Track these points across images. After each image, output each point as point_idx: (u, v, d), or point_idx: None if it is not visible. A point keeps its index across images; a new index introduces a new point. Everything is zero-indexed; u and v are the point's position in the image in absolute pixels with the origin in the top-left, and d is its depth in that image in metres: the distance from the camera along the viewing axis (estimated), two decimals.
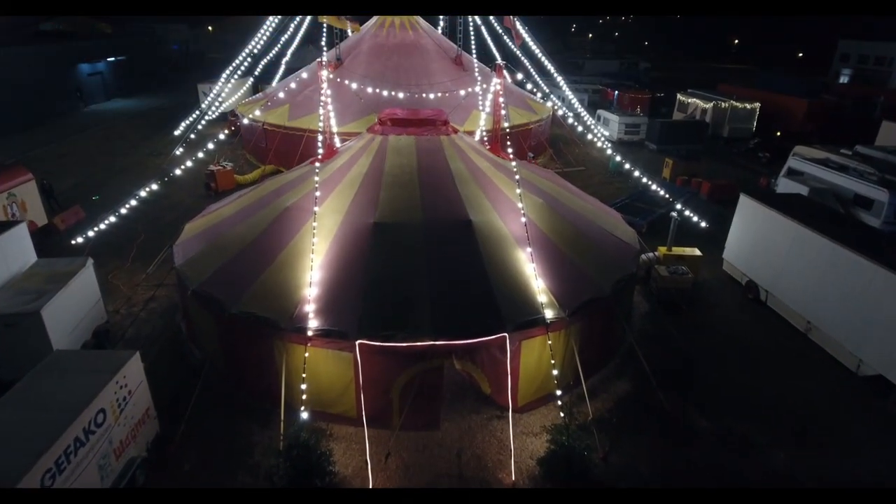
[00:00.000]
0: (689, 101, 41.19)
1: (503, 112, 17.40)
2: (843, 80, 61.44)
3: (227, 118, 36.02)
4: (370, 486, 10.50)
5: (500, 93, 17.69)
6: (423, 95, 24.91)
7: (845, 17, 63.48)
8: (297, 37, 38.89)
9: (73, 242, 19.74)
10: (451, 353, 11.34)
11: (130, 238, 20.86)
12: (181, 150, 31.37)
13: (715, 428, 12.37)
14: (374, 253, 12.59)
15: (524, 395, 12.23)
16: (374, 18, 33.94)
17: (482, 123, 24.37)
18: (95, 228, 19.79)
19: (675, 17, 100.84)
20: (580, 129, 31.86)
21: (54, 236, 21.13)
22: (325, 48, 30.13)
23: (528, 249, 12.79)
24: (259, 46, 34.68)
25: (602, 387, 13.39)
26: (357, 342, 10.99)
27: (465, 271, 12.46)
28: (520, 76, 28.68)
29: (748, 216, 18.21)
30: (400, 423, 11.37)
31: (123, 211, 20.38)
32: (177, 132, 35.88)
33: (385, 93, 24.88)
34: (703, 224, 21.97)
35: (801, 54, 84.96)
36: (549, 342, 11.75)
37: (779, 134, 38.17)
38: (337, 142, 19.17)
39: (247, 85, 39.67)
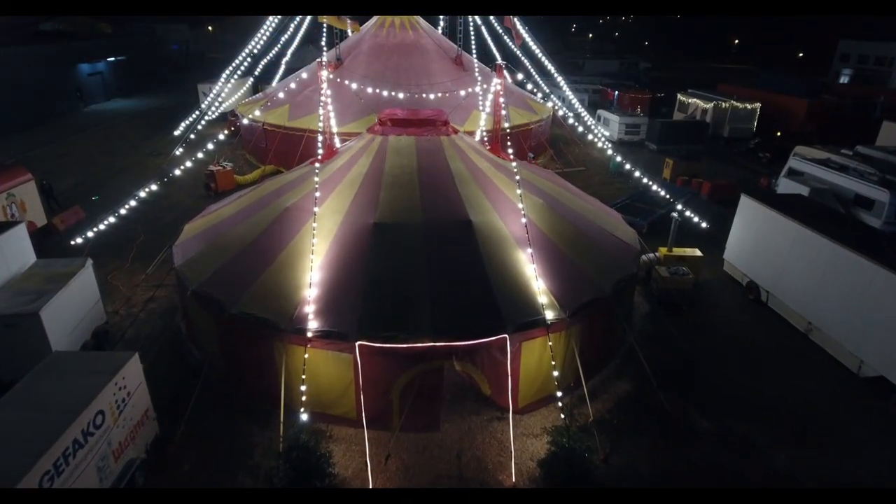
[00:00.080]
0: (690, 101, 41.16)
1: (503, 112, 17.36)
2: (844, 80, 61.39)
3: (227, 118, 36.00)
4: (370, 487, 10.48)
5: (501, 93, 17.65)
6: (424, 95, 24.88)
7: (845, 17, 63.48)
8: (297, 37, 38.87)
9: (72, 243, 19.72)
10: (452, 354, 11.31)
11: (130, 238, 20.83)
12: (181, 150, 31.34)
13: (716, 428, 12.34)
14: (374, 254, 12.56)
15: (524, 397, 12.20)
16: (374, 18, 33.91)
17: (482, 124, 24.34)
18: (95, 229, 19.78)
19: (675, 17, 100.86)
20: (580, 129, 31.82)
21: (54, 236, 21.10)
22: (325, 48, 30.12)
23: (529, 250, 12.76)
24: (259, 46, 34.64)
25: (602, 388, 13.36)
26: (357, 343, 10.95)
27: (465, 272, 12.43)
28: (520, 76, 28.64)
29: (749, 217, 18.18)
30: (400, 424, 11.34)
31: (123, 211, 20.37)
32: (177, 132, 35.85)
33: (385, 93, 24.85)
34: (704, 224, 21.94)
35: (801, 54, 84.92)
36: (550, 343, 11.72)
37: (779, 134, 38.14)
38: (337, 142, 19.13)
39: (247, 85, 39.64)
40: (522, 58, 32.76)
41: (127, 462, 10.27)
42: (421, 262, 12.45)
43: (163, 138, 36.22)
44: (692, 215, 21.86)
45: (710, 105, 39.06)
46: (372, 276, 12.15)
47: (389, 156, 14.97)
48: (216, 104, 35.81)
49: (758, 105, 39.30)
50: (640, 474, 11.08)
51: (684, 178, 28.75)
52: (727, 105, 38.81)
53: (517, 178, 14.05)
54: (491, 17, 34.74)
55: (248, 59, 34.78)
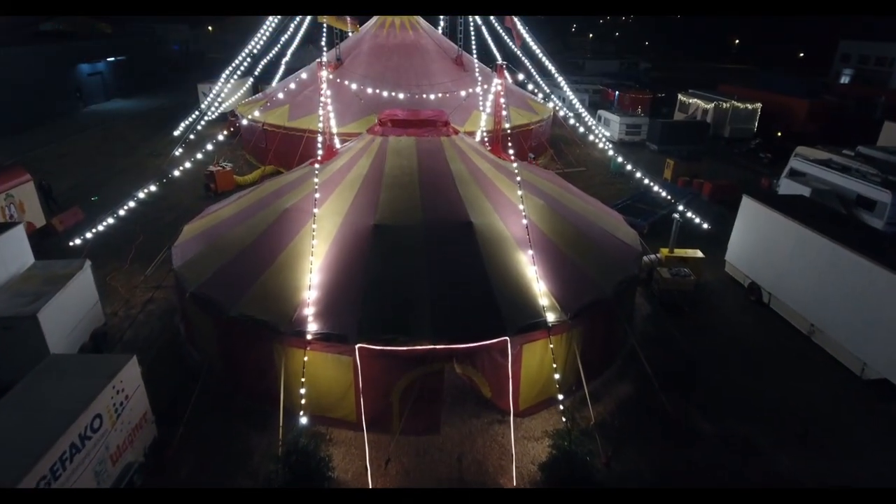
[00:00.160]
0: (690, 101, 41.09)
1: (504, 113, 17.28)
2: (844, 80, 61.30)
3: (227, 119, 35.93)
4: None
5: (502, 93, 17.57)
6: (424, 96, 24.81)
7: (845, 17, 63.39)
8: (297, 37, 38.79)
9: (71, 244, 19.65)
10: (452, 356, 11.23)
11: (129, 239, 20.75)
12: (181, 150, 31.27)
13: (717, 430, 12.28)
14: (374, 255, 12.48)
15: (525, 399, 12.11)
16: (375, 18, 33.84)
17: (483, 124, 24.27)
18: (94, 230, 19.71)
19: (675, 17, 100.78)
20: (581, 129, 31.74)
21: (53, 237, 21.03)
22: (324, 48, 30.03)
23: (530, 251, 12.68)
24: (259, 46, 34.57)
25: (604, 390, 13.28)
26: (357, 346, 10.88)
27: (465, 274, 12.35)
28: (521, 76, 28.57)
29: (750, 218, 18.10)
30: (400, 427, 11.26)
31: (122, 212, 20.31)
32: (176, 133, 35.78)
33: (385, 93, 24.78)
34: (705, 225, 21.86)
35: (801, 55, 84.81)
36: (551, 345, 11.64)
37: (780, 134, 38.07)
38: (337, 143, 19.06)
39: (246, 85, 39.57)
40: (523, 58, 32.69)
41: (125, 466, 10.20)
42: (421, 264, 12.37)
43: (162, 139, 36.15)
44: (693, 216, 21.78)
45: (710, 105, 38.99)
46: (372, 278, 12.07)
47: (389, 157, 14.90)
48: (216, 104, 35.75)
49: (759, 105, 39.23)
50: (642, 478, 10.99)
51: (685, 178, 28.68)
52: (728, 105, 38.74)
53: (518, 179, 13.97)
54: (491, 17, 34.67)
55: (248, 60, 34.72)
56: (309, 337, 11.12)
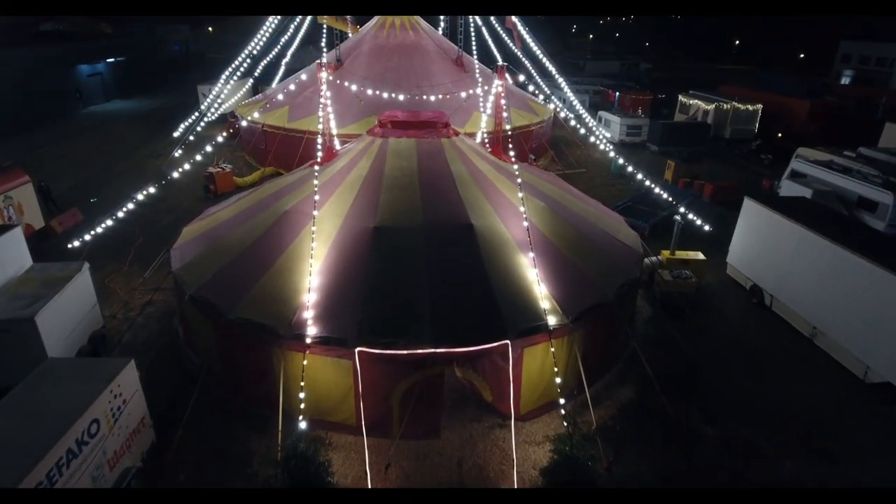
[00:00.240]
0: (691, 102, 41.02)
1: (505, 114, 17.20)
2: (845, 80, 61.25)
3: (227, 120, 35.84)
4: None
5: (503, 94, 17.49)
6: (424, 97, 24.73)
7: (845, 17, 63.34)
8: (297, 38, 38.71)
9: (70, 246, 19.56)
10: (452, 360, 11.15)
11: (128, 241, 20.67)
12: (180, 151, 31.20)
13: (719, 434, 12.20)
14: (374, 258, 12.40)
15: (526, 403, 12.03)
16: (375, 19, 33.76)
17: (483, 125, 24.19)
18: (93, 231, 19.62)
19: (675, 17, 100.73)
20: (582, 130, 31.67)
21: (51, 239, 20.96)
22: (324, 49, 29.96)
23: (531, 254, 12.60)
24: (259, 47, 34.51)
25: (605, 394, 13.20)
26: (356, 350, 10.79)
27: (466, 276, 12.27)
28: (521, 77, 28.50)
29: (752, 219, 18.02)
30: (400, 431, 11.19)
31: (121, 213, 20.22)
32: (176, 134, 35.70)
33: (385, 94, 24.70)
34: (707, 227, 21.78)
35: (801, 55, 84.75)
36: (552, 349, 11.56)
37: (780, 135, 37.99)
38: (337, 144, 18.98)
39: (246, 86, 39.51)
40: (523, 59, 32.61)
41: (122, 471, 10.10)
42: (421, 267, 12.30)
43: (162, 140, 36.07)
44: (694, 218, 21.69)
45: (711, 106, 38.92)
46: (372, 281, 11.99)
47: (390, 158, 14.82)
48: (216, 105, 35.69)
49: (759, 106, 39.16)
50: (644, 481, 10.91)
51: (686, 179, 28.61)
52: (729, 106, 38.67)
53: (519, 180, 13.89)
54: (492, 18, 34.59)
55: (248, 60, 34.66)
56: (308, 340, 11.04)
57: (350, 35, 33.99)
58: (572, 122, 30.90)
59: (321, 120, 16.19)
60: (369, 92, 24.77)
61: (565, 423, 11.12)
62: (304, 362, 11.01)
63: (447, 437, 11.70)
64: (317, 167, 14.88)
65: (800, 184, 22.20)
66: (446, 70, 31.22)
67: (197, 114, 36.06)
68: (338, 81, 24.48)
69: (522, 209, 13.39)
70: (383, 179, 14.18)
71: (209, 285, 12.79)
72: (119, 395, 10.06)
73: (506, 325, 11.31)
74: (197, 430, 11.55)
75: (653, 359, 13.41)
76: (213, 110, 35.08)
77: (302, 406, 10.77)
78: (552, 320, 11.70)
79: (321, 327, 11.21)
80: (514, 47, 32.93)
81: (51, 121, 40.75)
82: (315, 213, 13.02)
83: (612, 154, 27.04)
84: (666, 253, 18.40)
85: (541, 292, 12.10)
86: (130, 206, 20.51)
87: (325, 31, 31.77)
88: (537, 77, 32.84)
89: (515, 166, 14.79)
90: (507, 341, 11.08)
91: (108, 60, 51.31)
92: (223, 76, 35.16)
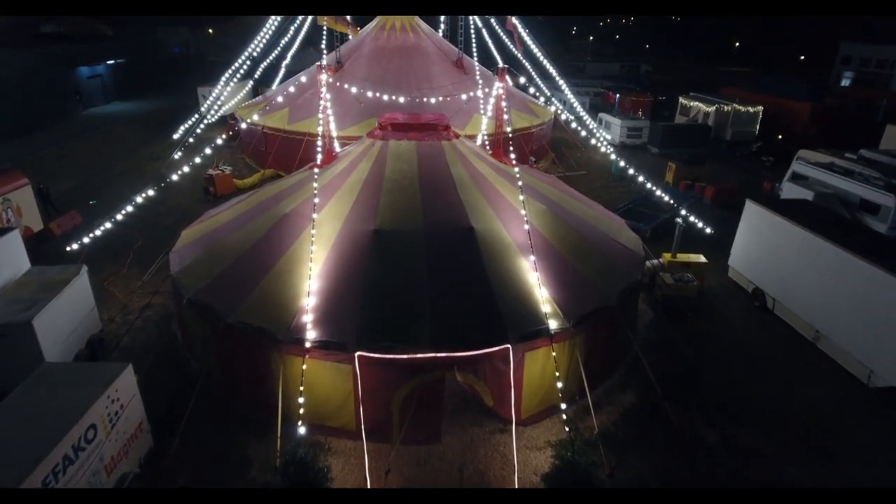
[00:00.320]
0: (692, 104, 40.96)
1: (505, 116, 17.13)
2: (845, 82, 61.19)
3: (227, 122, 35.76)
4: None
5: (504, 97, 17.41)
6: (424, 99, 24.66)
7: (845, 17, 63.30)
8: (297, 39, 38.65)
9: (68, 248, 19.46)
10: (453, 364, 11.08)
11: (127, 244, 20.57)
12: (180, 153, 31.12)
13: (721, 437, 12.10)
14: (374, 261, 12.32)
15: (528, 408, 11.92)
16: (375, 21, 33.70)
17: (484, 127, 24.12)
18: (92, 234, 19.53)
19: (675, 18, 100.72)
20: (582, 132, 31.62)
21: (50, 241, 20.87)
22: (324, 51, 29.91)
23: (532, 257, 12.52)
24: (259, 49, 34.46)
25: (607, 398, 13.09)
26: (356, 354, 10.70)
27: (466, 280, 12.18)
28: (522, 79, 28.42)
29: (754, 222, 17.93)
30: (400, 436, 11.09)
31: (120, 216, 20.12)
32: (176, 136, 35.62)
33: (385, 97, 24.64)
34: (708, 230, 21.69)
35: (802, 57, 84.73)
36: (554, 353, 11.47)
37: (781, 137, 37.93)
38: (337, 146, 18.90)
39: (246, 88, 39.45)
40: (524, 61, 32.55)
41: (119, 477, 10.01)
42: (422, 270, 12.21)
43: (162, 142, 35.97)
44: (696, 220, 21.60)
45: (712, 108, 38.87)
46: (372, 285, 11.90)
47: (390, 161, 14.74)
48: (216, 107, 35.62)
49: (760, 108, 39.10)
50: (645, 485, 10.80)
51: (687, 182, 28.51)
52: (729, 108, 38.61)
53: (519, 183, 13.81)
54: (492, 20, 34.54)
55: (248, 62, 34.59)
56: (308, 345, 10.96)
57: (350, 37, 33.92)
58: (573, 125, 30.81)
59: (321, 122, 16.11)
60: (369, 94, 24.70)
61: (567, 428, 11.02)
62: (304, 367, 10.93)
63: (448, 442, 11.60)
64: (317, 169, 14.81)
65: (801, 186, 22.09)
66: (447, 72, 31.15)
67: (197, 116, 36.00)
68: (338, 83, 24.41)
69: (523, 212, 13.31)
70: (383, 182, 14.10)
71: (208, 289, 12.70)
72: (116, 400, 9.96)
73: (507, 329, 11.22)
74: (195, 435, 11.45)
75: (655, 362, 13.34)
76: (213, 112, 35.01)
77: (301, 411, 10.69)
78: (553, 324, 11.61)
79: (321, 331, 11.12)
80: (514, 50, 32.85)
81: (51, 122, 40.67)
82: (315, 215, 12.95)
83: (612, 156, 26.96)
84: (667, 256, 18.31)
85: (542, 296, 12.01)
86: (130, 208, 20.42)
87: (325, 32, 31.73)
88: (538, 79, 32.79)
89: (516, 169, 14.73)
90: (508, 345, 10.99)
91: (109, 62, 51.26)
92: (223, 78, 35.11)
